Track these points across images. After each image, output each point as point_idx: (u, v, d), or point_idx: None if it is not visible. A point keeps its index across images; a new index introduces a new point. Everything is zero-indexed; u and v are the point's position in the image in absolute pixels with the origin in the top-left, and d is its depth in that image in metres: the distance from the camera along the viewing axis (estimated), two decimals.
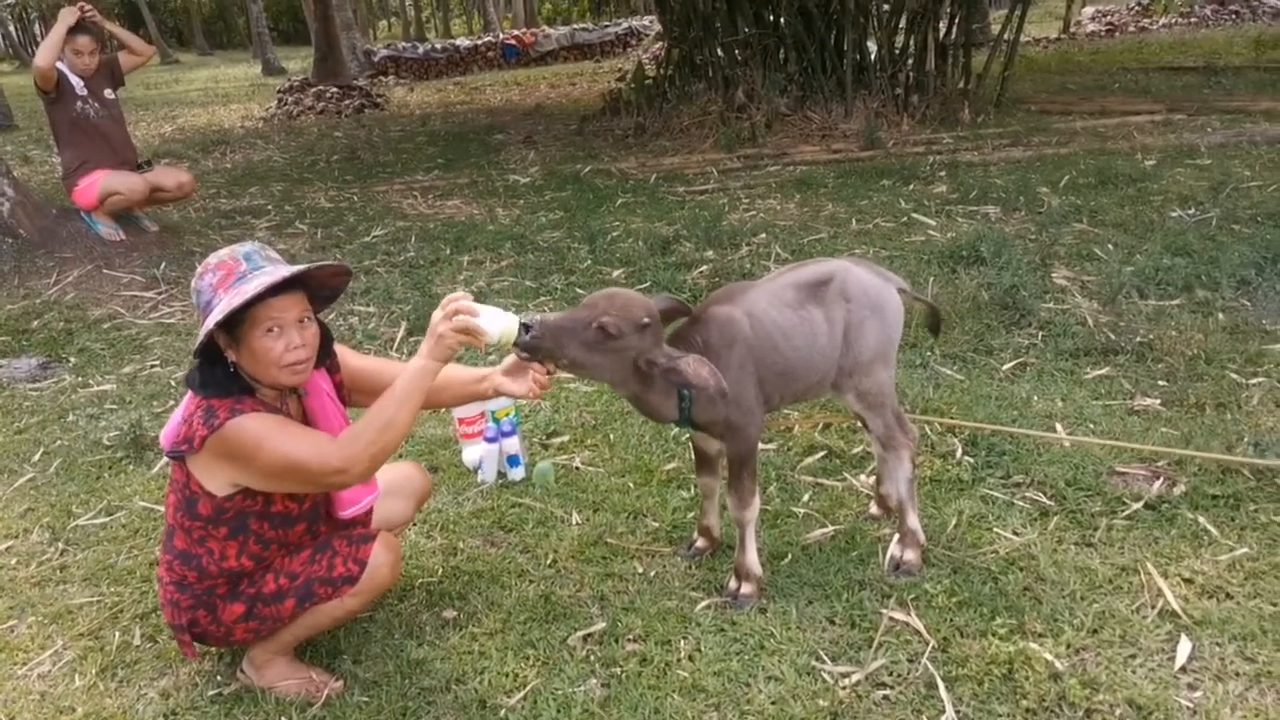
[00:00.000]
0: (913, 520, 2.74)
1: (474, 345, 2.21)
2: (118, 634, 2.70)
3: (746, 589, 2.65)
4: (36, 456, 3.87)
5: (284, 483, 2.19)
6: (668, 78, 10.97)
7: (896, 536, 2.79)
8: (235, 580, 2.29)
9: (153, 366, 4.76)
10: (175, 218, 7.49)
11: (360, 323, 5.15)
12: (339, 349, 2.50)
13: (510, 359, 2.45)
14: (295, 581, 2.29)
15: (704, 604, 2.66)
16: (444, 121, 13.77)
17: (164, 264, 6.06)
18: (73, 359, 4.91)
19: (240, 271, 2.14)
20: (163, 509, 3.24)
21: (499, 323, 2.19)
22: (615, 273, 5.66)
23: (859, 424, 3.61)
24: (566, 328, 2.24)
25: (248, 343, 2.14)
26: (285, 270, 2.16)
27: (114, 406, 4.31)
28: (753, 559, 2.65)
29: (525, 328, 2.20)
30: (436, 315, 2.19)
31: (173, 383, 4.50)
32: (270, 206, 8.15)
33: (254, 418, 2.12)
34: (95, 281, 5.88)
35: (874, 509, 3.04)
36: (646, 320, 2.26)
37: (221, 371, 2.18)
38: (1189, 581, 2.60)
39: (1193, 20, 19.74)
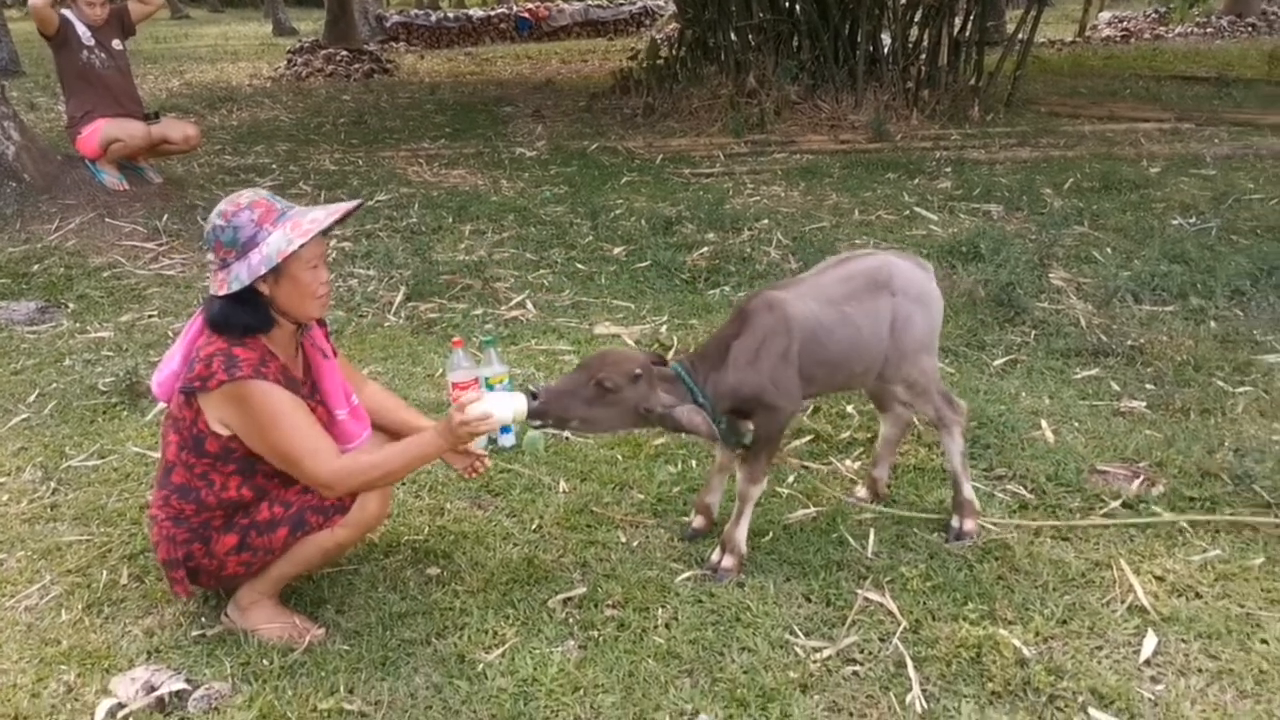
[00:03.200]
0: (968, 490, 2.84)
1: (492, 430, 2.40)
2: (105, 573, 2.74)
3: (728, 562, 2.69)
4: (32, 398, 3.90)
5: (270, 457, 2.30)
6: (679, 59, 10.93)
7: (953, 508, 2.89)
8: (231, 512, 2.36)
9: (150, 316, 4.78)
10: (179, 171, 7.49)
11: (360, 285, 5.17)
12: None
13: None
14: (289, 510, 2.35)
15: (684, 575, 2.70)
16: (453, 91, 13.72)
17: (166, 216, 6.07)
18: (71, 305, 4.93)
19: (279, 209, 2.27)
20: (155, 455, 3.28)
21: (509, 405, 2.35)
22: (616, 250, 5.68)
23: (849, 409, 3.66)
24: (567, 390, 2.44)
25: (291, 275, 2.25)
26: (342, 207, 2.31)
27: (110, 353, 4.33)
28: (743, 535, 2.70)
29: (532, 395, 2.38)
30: (456, 416, 2.31)
31: (170, 332, 4.53)
32: (275, 165, 8.14)
33: (280, 392, 2.23)
34: (97, 229, 5.88)
35: (860, 491, 3.09)
36: (638, 371, 2.43)
37: (250, 307, 2.26)
38: (1160, 579, 2.65)
39: (1209, 30, 19.67)
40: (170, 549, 2.34)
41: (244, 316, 2.26)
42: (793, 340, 2.53)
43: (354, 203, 2.37)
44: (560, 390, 2.43)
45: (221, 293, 2.23)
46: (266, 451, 2.28)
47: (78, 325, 4.68)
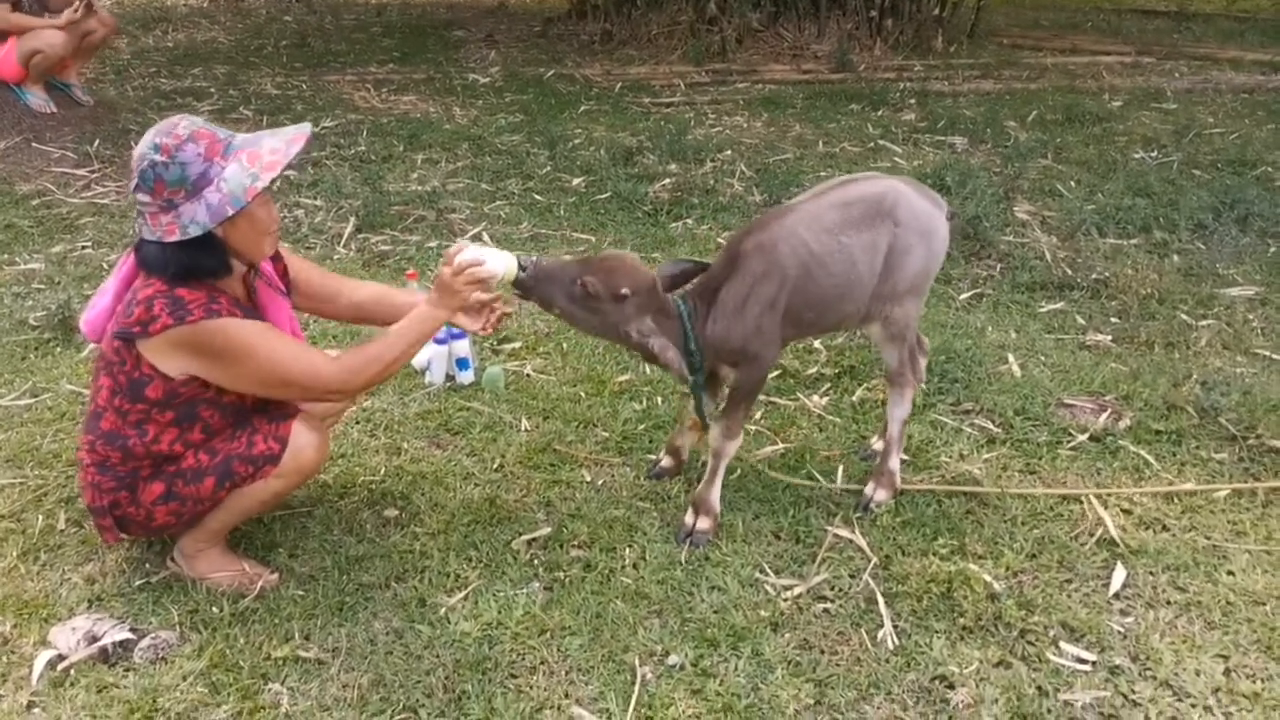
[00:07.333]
0: (894, 462, 2.67)
1: (484, 290, 2.28)
2: (41, 518, 2.59)
3: (704, 524, 2.53)
4: None
5: (254, 389, 2.18)
6: None
7: (873, 474, 2.71)
8: (159, 462, 2.20)
9: (84, 248, 4.52)
10: (111, 94, 7.08)
11: (306, 215, 4.95)
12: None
13: None
14: (214, 458, 2.20)
15: (651, 514, 2.64)
16: (401, 13, 13.13)
17: (98, 141, 5.73)
18: None
19: (223, 138, 2.05)
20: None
21: (502, 262, 2.25)
22: (575, 180, 5.50)
23: (815, 344, 3.59)
24: (555, 275, 2.31)
25: (249, 213, 2.06)
26: (296, 134, 2.10)
27: (41, 286, 4.10)
28: (716, 495, 2.54)
29: (522, 266, 2.28)
30: (445, 271, 2.22)
31: (105, 265, 4.29)
32: (213, 89, 7.73)
33: (242, 324, 2.08)
34: (24, 155, 5.54)
35: (876, 444, 2.91)
36: (625, 292, 2.28)
37: (208, 251, 2.06)
38: (1128, 512, 2.65)
39: None
40: (95, 496, 2.20)
41: (206, 261, 2.07)
42: (783, 287, 2.37)
43: (305, 127, 2.14)
44: (549, 272, 2.32)
45: (173, 238, 2.00)
46: (248, 384, 2.16)
47: (5, 257, 4.40)
